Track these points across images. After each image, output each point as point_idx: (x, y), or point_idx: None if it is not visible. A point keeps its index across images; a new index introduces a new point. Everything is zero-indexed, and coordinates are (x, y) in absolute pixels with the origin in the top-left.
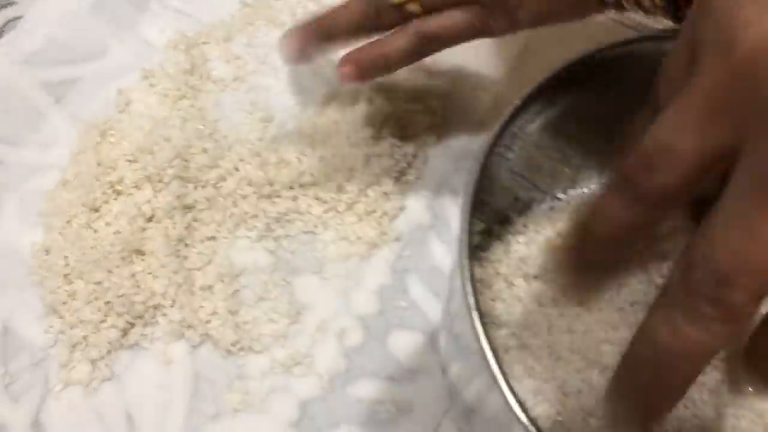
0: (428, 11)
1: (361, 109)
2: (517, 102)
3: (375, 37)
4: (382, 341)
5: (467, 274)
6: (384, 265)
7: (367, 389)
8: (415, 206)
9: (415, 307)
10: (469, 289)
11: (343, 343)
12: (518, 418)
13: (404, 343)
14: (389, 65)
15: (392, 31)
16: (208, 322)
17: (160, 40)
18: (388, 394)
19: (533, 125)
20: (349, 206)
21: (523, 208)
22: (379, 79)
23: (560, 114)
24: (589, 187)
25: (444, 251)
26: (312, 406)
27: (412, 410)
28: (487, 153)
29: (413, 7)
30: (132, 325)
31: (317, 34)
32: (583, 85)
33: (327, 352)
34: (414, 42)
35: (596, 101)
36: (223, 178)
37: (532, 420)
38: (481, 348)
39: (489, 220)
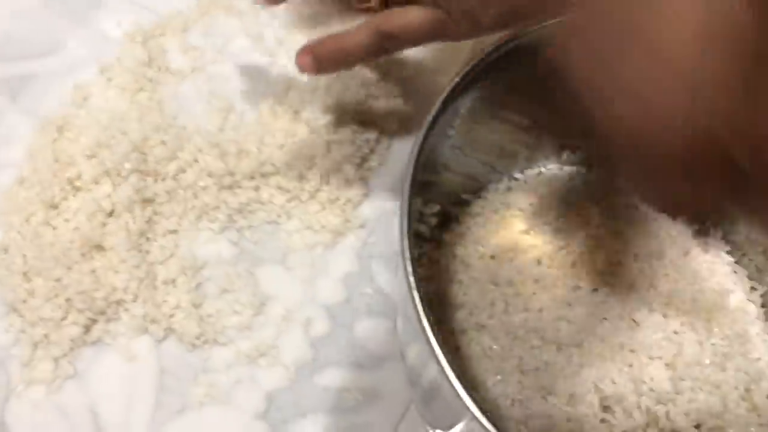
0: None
1: (320, 96)
2: (456, 79)
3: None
4: (348, 329)
5: (407, 254)
6: (349, 252)
7: (333, 378)
8: (379, 192)
9: (382, 293)
10: (409, 269)
11: (309, 333)
12: (464, 402)
13: (371, 330)
14: (348, 60)
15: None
16: (171, 316)
17: (117, 33)
18: (355, 381)
19: (474, 103)
20: (312, 195)
21: (480, 189)
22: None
23: (501, 91)
24: (546, 166)
25: None
26: (278, 396)
27: (379, 397)
28: (426, 132)
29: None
30: (94, 321)
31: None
32: (521, 64)
33: (292, 342)
34: (374, 39)
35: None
36: (182, 170)
37: (478, 403)
38: (423, 328)
39: (445, 202)
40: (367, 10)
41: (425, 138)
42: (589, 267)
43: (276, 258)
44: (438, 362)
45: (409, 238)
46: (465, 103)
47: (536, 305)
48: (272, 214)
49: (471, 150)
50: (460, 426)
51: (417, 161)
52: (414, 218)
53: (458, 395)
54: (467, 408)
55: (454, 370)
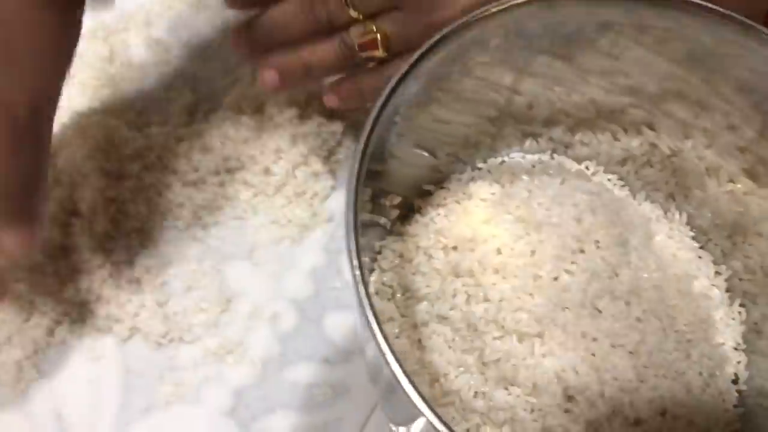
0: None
1: None
2: (404, 67)
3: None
4: (317, 324)
5: (353, 246)
6: (317, 246)
7: (302, 373)
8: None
9: (350, 287)
10: (355, 262)
11: (277, 329)
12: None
13: (339, 325)
14: (312, 75)
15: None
16: (136, 315)
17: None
18: (324, 376)
19: (422, 91)
20: (278, 189)
21: (443, 179)
22: None
23: (450, 78)
24: (509, 155)
25: None
26: (246, 393)
27: (348, 391)
28: (373, 122)
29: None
30: (58, 323)
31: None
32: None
33: (260, 338)
34: (340, 52)
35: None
36: (146, 168)
37: (436, 399)
38: (370, 326)
39: (408, 193)
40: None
41: (372, 127)
42: (549, 255)
43: (242, 254)
44: (387, 362)
45: (356, 230)
46: (413, 92)
47: (497, 295)
48: (238, 210)
49: (423, 139)
50: (418, 423)
51: (364, 151)
52: (375, 211)
53: (406, 393)
54: (417, 408)
55: (407, 368)
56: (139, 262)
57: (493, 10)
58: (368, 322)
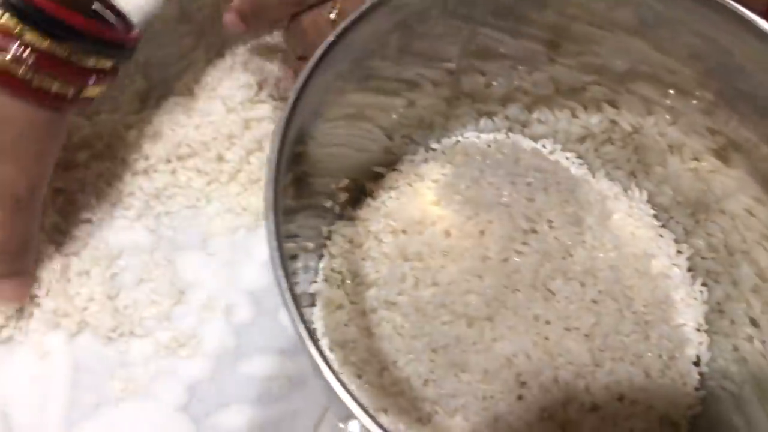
0: None
1: (237, 72)
2: (330, 38)
3: None
4: (272, 315)
5: (273, 232)
6: None
7: (258, 366)
8: None
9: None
10: (277, 261)
11: (232, 320)
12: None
13: None
14: (271, 15)
15: None
16: (85, 308)
17: None
18: (280, 368)
19: (353, 66)
20: (232, 176)
21: (395, 161)
22: (253, 39)
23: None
24: (463, 135)
25: None
26: (200, 387)
27: (305, 384)
28: (294, 102)
29: None
30: (6, 318)
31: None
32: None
33: (214, 330)
34: None
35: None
36: (95, 157)
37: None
38: (293, 320)
39: (359, 176)
40: None
41: (293, 107)
42: (498, 236)
43: (196, 244)
44: (310, 355)
45: (276, 215)
46: (344, 67)
47: (445, 279)
48: (191, 198)
49: (369, 119)
50: (355, 423)
51: (285, 132)
52: (327, 194)
53: (331, 388)
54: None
55: (356, 356)
56: (88, 254)
57: None
58: (299, 333)
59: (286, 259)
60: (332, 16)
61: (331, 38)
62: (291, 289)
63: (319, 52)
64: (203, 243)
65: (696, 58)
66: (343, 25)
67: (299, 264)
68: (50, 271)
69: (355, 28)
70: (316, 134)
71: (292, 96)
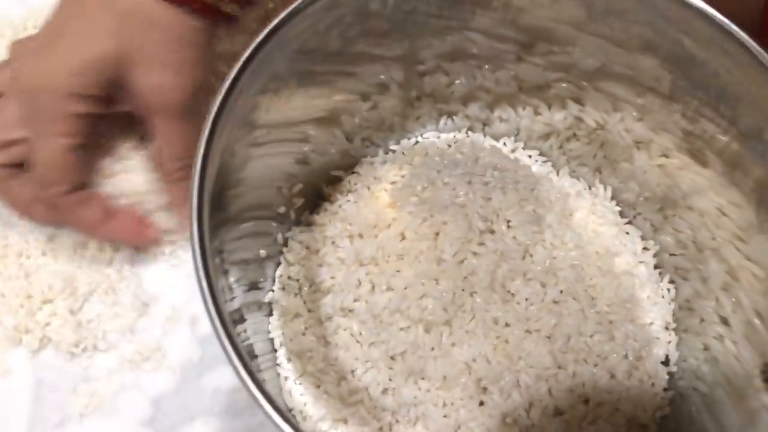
0: None
1: None
2: (261, 35)
3: None
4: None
5: (197, 247)
6: None
7: (223, 377)
8: None
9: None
10: (202, 273)
11: (196, 332)
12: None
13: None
14: None
15: None
16: (47, 324)
17: None
18: None
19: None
20: None
21: (354, 164)
22: None
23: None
24: (422, 135)
25: None
26: (165, 401)
27: None
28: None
29: None
30: None
31: None
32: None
33: (179, 342)
34: None
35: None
36: None
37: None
38: (219, 339)
39: (316, 180)
40: None
41: (218, 114)
42: (453, 237)
43: (159, 255)
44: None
45: (200, 225)
46: (279, 69)
47: (401, 283)
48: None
49: (323, 122)
50: None
51: (209, 143)
52: (280, 199)
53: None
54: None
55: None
56: (50, 268)
57: None
58: (218, 337)
59: (211, 273)
60: None
61: (260, 37)
62: (216, 305)
63: (247, 51)
64: (167, 254)
65: (649, 49)
66: (270, 25)
67: (249, 274)
68: (11, 287)
69: (289, 25)
70: (249, 142)
71: (218, 98)
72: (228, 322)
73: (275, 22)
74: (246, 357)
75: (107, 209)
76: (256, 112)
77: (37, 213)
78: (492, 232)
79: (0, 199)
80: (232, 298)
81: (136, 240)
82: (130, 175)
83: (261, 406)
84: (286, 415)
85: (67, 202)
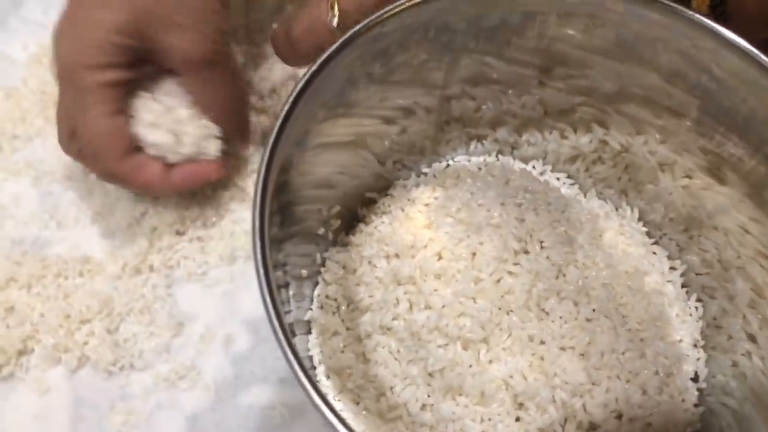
0: None
1: None
2: (314, 66)
3: None
4: (271, 344)
5: (261, 266)
6: None
7: (257, 395)
8: None
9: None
10: (264, 281)
11: (230, 350)
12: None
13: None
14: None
15: None
16: (85, 343)
17: (24, 56)
18: (279, 398)
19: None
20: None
21: (387, 186)
22: None
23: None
24: (453, 158)
25: None
26: (201, 419)
27: (305, 412)
28: (278, 131)
29: None
30: (6, 358)
31: None
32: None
33: (213, 361)
34: None
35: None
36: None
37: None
38: (284, 352)
39: (351, 203)
40: None
41: (278, 136)
42: (490, 257)
43: (194, 275)
44: (303, 387)
45: (263, 245)
46: (327, 97)
47: (438, 302)
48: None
49: (347, 147)
50: None
51: (270, 162)
52: (319, 221)
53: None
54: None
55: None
56: (87, 288)
57: (408, 4)
58: (283, 351)
59: (274, 290)
60: (334, 22)
61: (314, 67)
62: (280, 319)
63: (301, 83)
64: (202, 274)
65: (677, 75)
66: (324, 55)
67: (292, 291)
68: (50, 307)
69: (337, 58)
70: (301, 163)
71: (276, 125)
72: (289, 334)
73: (328, 51)
74: (307, 368)
75: (164, 164)
76: (307, 138)
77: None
78: (526, 252)
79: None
80: (287, 312)
81: (202, 179)
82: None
83: (322, 413)
84: (344, 420)
85: (125, 168)
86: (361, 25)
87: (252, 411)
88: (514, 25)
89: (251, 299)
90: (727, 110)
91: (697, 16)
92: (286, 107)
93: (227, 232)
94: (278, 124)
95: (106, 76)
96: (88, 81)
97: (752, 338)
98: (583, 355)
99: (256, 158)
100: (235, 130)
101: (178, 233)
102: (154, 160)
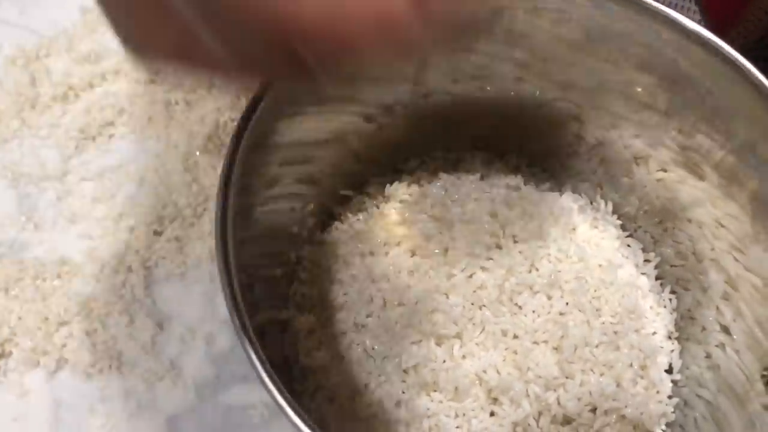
0: None
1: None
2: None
3: None
4: None
5: (224, 270)
6: None
7: (238, 395)
8: None
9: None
10: (229, 294)
11: (211, 350)
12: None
13: None
14: None
15: None
16: (64, 345)
17: None
18: (260, 397)
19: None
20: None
21: (363, 184)
22: None
23: None
24: (429, 154)
25: None
26: (181, 420)
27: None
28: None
29: None
30: None
31: None
32: None
33: (193, 361)
34: None
35: None
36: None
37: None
38: (247, 354)
39: (327, 201)
40: None
41: (238, 137)
42: (463, 253)
43: (174, 274)
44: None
45: (225, 247)
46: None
47: (412, 298)
48: None
49: (320, 144)
50: None
51: (231, 162)
52: (293, 219)
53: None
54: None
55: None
56: (66, 289)
57: None
58: (246, 353)
59: (237, 293)
60: None
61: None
62: (242, 320)
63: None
64: (182, 273)
65: (645, 69)
66: None
67: (266, 291)
68: (28, 310)
69: None
70: (269, 162)
71: (238, 122)
72: (254, 338)
73: None
74: (273, 373)
75: None
76: (274, 136)
77: None
78: (499, 247)
79: None
80: (256, 313)
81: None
82: None
83: (289, 417)
84: (311, 423)
85: None
86: None
87: (232, 410)
88: (482, 22)
89: None
90: (695, 101)
91: (660, 7)
92: (249, 103)
93: (206, 231)
94: (240, 121)
95: None
96: None
97: (726, 330)
98: (556, 348)
99: None
100: None
101: (156, 233)
102: None
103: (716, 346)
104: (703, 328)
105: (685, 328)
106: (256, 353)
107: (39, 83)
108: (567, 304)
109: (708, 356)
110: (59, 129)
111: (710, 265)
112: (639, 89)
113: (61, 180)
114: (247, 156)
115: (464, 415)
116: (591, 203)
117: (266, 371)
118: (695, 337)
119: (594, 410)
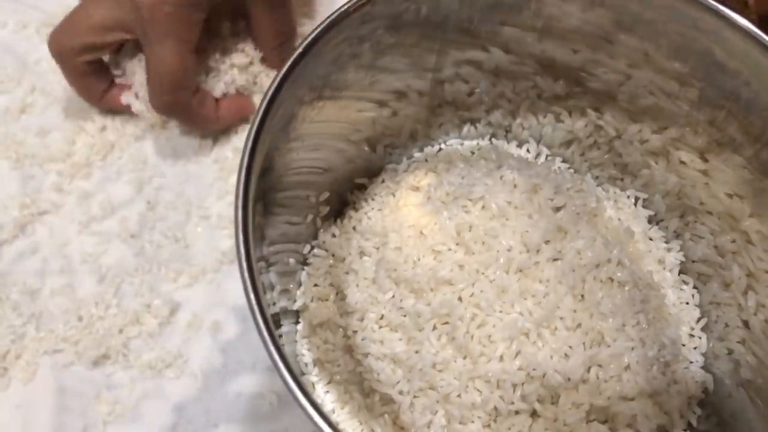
0: None
1: None
2: (295, 54)
3: None
4: None
5: (244, 259)
6: None
7: (246, 383)
8: None
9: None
10: (245, 265)
11: (218, 338)
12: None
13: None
14: None
15: None
16: (71, 333)
17: (2, 34)
18: (269, 386)
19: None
20: (220, 196)
21: (378, 171)
22: None
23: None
24: (446, 142)
25: None
26: (188, 408)
27: (294, 401)
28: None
29: None
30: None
31: None
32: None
33: (201, 349)
34: None
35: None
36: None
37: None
38: (264, 340)
39: (341, 188)
40: None
41: (261, 123)
42: (480, 242)
43: (181, 262)
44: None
45: (246, 235)
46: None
47: (427, 288)
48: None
49: (348, 132)
50: None
51: (253, 149)
52: (307, 207)
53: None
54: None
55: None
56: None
57: None
58: (262, 339)
59: (257, 282)
60: None
61: (300, 50)
62: (262, 311)
63: (287, 63)
64: (188, 261)
65: (677, 59)
66: (309, 37)
67: (279, 280)
68: (34, 296)
69: (323, 39)
70: (287, 148)
71: (261, 109)
72: (272, 327)
73: (313, 35)
74: (291, 364)
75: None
76: (293, 123)
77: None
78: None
79: (78, 93)
80: (274, 303)
81: (244, 114)
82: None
83: (305, 410)
84: (324, 413)
85: (192, 104)
86: (348, 5)
87: (240, 399)
88: (509, 6)
89: (239, 286)
90: (729, 94)
91: None
92: (271, 90)
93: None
94: (263, 107)
95: (198, 14)
96: (180, 17)
97: (747, 325)
98: (582, 342)
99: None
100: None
101: None
102: (209, 97)
103: (738, 342)
104: (726, 325)
105: (707, 324)
106: (273, 339)
107: None
108: (591, 294)
109: (729, 352)
110: None
111: (732, 259)
112: (669, 80)
113: (66, 161)
114: (267, 144)
115: (485, 413)
116: (612, 194)
117: (281, 359)
118: (717, 333)
119: (618, 406)
